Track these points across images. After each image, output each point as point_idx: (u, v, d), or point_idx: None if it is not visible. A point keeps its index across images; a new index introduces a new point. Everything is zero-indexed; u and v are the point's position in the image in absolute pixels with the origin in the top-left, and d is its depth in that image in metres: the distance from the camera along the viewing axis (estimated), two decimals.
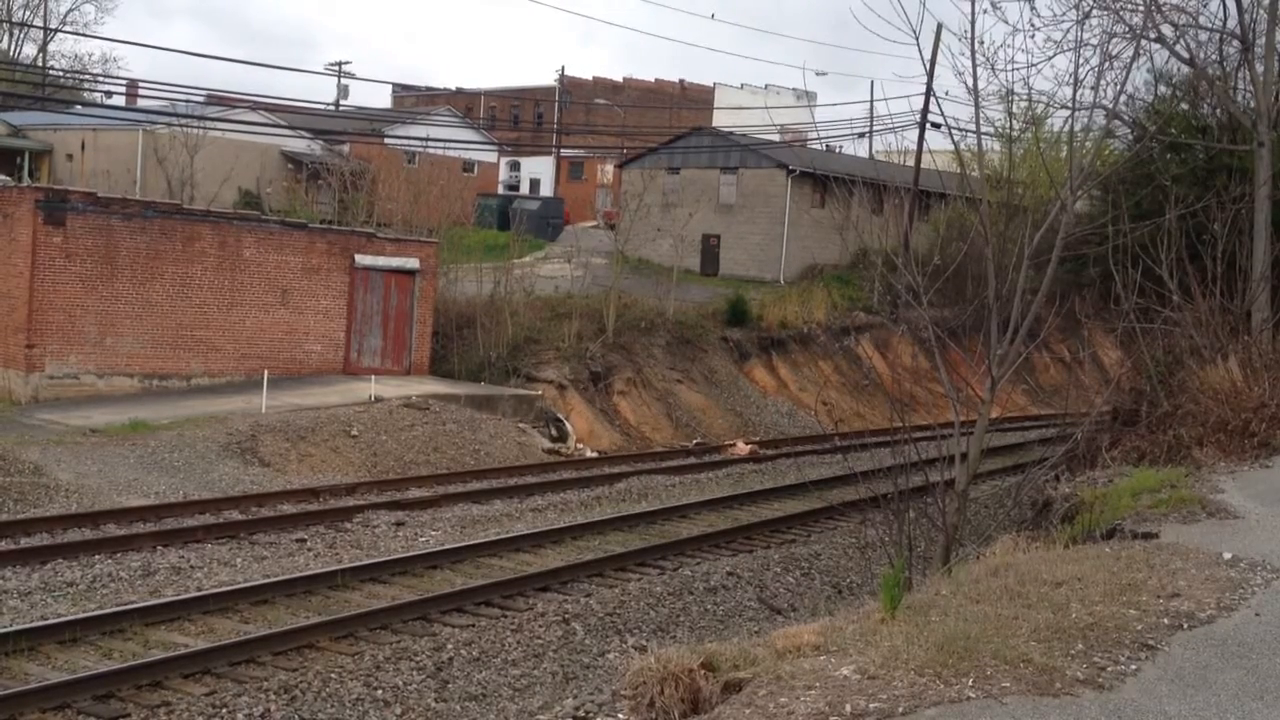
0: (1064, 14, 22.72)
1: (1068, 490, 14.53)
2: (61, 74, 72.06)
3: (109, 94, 68.33)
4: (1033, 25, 32.94)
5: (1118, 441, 17.70)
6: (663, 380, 35.89)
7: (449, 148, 57.29)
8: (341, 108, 67.28)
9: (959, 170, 27.73)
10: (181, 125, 44.34)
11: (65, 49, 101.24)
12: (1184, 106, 27.91)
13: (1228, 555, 9.58)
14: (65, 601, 14.63)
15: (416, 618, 14.76)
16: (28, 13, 74.73)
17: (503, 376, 33.39)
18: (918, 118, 43.91)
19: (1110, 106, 18.34)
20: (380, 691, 12.61)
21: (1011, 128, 33.42)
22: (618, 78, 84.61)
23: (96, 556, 16.43)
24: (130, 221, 28.24)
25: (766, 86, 74.37)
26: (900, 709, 6.13)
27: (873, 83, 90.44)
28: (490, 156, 69.38)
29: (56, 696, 11.38)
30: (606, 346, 35.31)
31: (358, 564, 16.82)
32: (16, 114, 58.93)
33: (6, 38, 75.63)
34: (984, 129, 18.47)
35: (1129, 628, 7.51)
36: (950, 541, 13.03)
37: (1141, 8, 20.42)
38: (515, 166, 75.39)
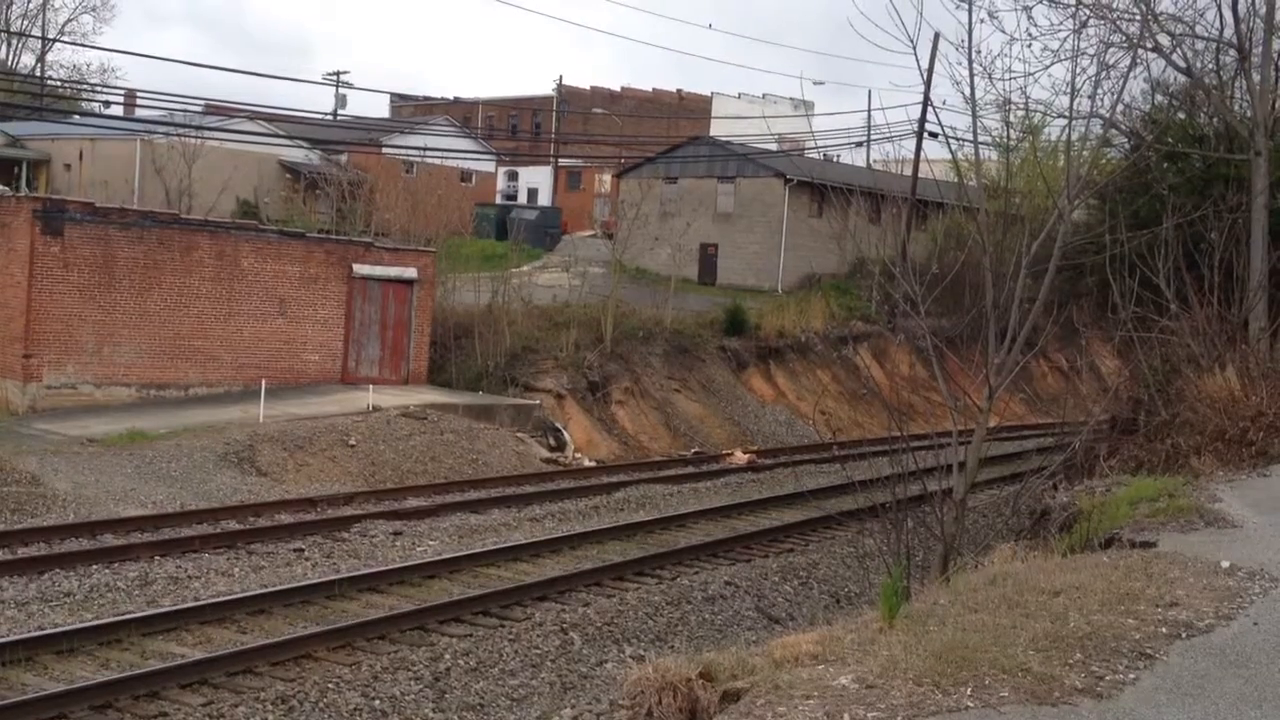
0: (1061, 23, 22.72)
1: (1066, 499, 14.52)
2: (59, 84, 72.13)
3: (107, 104, 68.18)
4: (1030, 34, 33.05)
5: (1115, 450, 17.70)
6: (660, 389, 35.89)
7: (447, 157, 57.37)
8: (339, 117, 67.36)
9: (956, 179, 27.76)
10: (179, 135, 44.37)
11: (63, 59, 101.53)
12: (1181, 116, 27.93)
13: (1226, 564, 9.57)
14: (62, 611, 14.61)
15: (414, 628, 14.74)
16: (26, 23, 74.88)
17: (500, 386, 33.37)
18: (915, 127, 44.04)
19: (1107, 116, 18.40)
20: (378, 702, 12.59)
21: (1009, 137, 33.42)
22: (615, 87, 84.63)
23: (94, 566, 16.40)
24: (128, 231, 28.24)
25: (764, 96, 74.49)
26: (899, 718, 6.12)
27: (870, 92, 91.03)
28: (488, 166, 69.45)
29: (53, 707, 11.35)
30: (604, 356, 35.31)
31: (355, 574, 16.79)
32: (15, 124, 58.97)
33: (5, 48, 75.75)
34: (981, 138, 18.50)
35: (1127, 637, 7.50)
36: (948, 550, 13.03)
37: (1138, 17, 20.46)
38: (513, 176, 75.46)
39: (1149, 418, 17.57)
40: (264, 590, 15.72)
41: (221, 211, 42.46)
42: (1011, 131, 33.15)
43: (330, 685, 12.69)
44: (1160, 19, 21.91)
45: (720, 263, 51.07)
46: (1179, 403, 16.79)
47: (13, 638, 13.08)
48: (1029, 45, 42.93)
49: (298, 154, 55.50)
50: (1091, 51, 18.93)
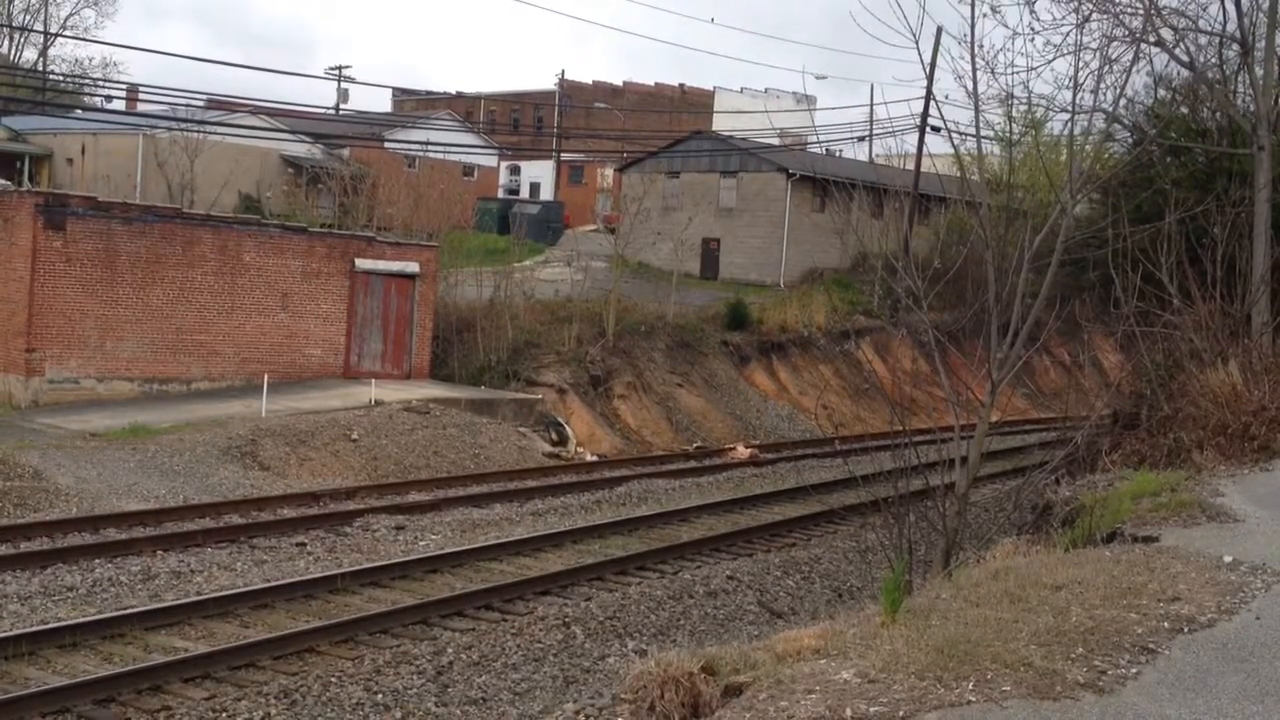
0: (1063, 18, 22.69)
1: (1068, 494, 14.52)
2: (62, 78, 72.10)
3: (109, 98, 68.27)
4: (1032, 29, 32.82)
5: (1118, 445, 17.69)
6: (663, 384, 35.89)
7: (449, 152, 57.32)
8: (341, 112, 67.27)
9: (959, 174, 27.74)
10: (182, 129, 44.36)
11: (65, 53, 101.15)
12: (1183, 110, 27.90)
13: (1228, 559, 9.58)
14: (65, 606, 14.63)
15: (416, 622, 14.77)
16: (28, 17, 74.87)
17: (503, 380, 33.38)
18: (918, 121, 43.96)
19: (1110, 110, 18.39)
20: (380, 696, 12.61)
21: (1011, 131, 33.38)
22: (617, 81, 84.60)
23: (96, 561, 16.43)
24: (130, 226, 28.24)
25: (766, 90, 74.40)
26: (901, 713, 6.12)
27: (872, 86, 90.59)
28: (490, 160, 69.41)
29: (57, 700, 11.38)
30: (606, 350, 35.30)
31: (358, 568, 16.82)
32: (17, 118, 58.95)
33: (7, 42, 75.75)
34: (984, 132, 18.47)
35: (1129, 631, 7.51)
36: (950, 545, 13.03)
37: (1141, 11, 20.44)
38: (515, 170, 75.44)
39: (1151, 412, 17.55)
40: (266, 585, 15.75)
41: (224, 206, 42.47)
42: (1014, 126, 33.10)
43: (333, 679, 12.72)
44: (1163, 13, 21.90)
45: (722, 257, 51.06)
46: (1181, 397, 16.76)
47: (16, 632, 13.10)
48: (1031, 40, 42.88)
49: (300, 149, 55.48)
50: (1094, 46, 18.90)
